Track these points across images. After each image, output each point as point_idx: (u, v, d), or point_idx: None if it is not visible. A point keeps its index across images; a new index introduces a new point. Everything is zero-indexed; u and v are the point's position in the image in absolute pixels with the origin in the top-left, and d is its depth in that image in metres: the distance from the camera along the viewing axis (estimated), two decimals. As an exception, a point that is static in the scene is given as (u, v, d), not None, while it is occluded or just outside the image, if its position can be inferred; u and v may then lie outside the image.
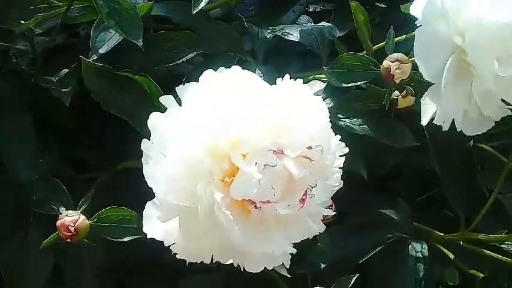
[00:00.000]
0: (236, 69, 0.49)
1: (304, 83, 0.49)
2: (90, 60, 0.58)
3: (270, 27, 0.70)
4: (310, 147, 0.46)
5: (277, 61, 0.71)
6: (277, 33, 0.69)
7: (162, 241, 0.49)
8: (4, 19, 0.62)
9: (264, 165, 0.44)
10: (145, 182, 0.47)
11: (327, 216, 0.53)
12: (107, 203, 0.57)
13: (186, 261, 0.50)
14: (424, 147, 0.68)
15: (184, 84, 0.49)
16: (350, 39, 0.72)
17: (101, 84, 0.57)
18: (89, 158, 0.72)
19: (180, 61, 0.64)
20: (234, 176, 0.45)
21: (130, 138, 0.68)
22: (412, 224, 0.69)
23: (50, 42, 0.69)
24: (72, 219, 0.53)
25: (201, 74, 0.48)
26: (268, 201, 0.45)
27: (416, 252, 0.67)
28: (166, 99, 0.48)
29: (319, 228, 0.48)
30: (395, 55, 0.56)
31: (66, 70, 0.65)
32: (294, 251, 0.47)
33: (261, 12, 0.75)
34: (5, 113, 0.64)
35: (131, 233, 0.56)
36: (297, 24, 0.73)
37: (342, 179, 0.50)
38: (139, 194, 0.50)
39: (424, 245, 0.68)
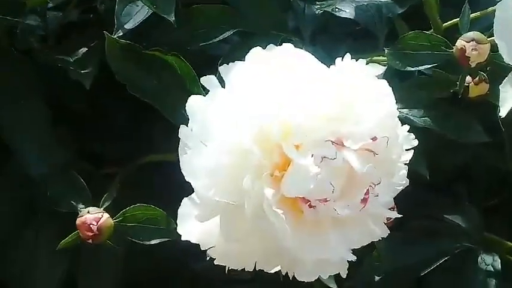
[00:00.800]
0: (288, 46, 0.48)
1: (361, 66, 0.49)
2: (114, 36, 0.58)
3: (318, 2, 0.70)
4: (374, 138, 0.45)
5: (326, 41, 0.70)
6: (326, 9, 0.69)
7: (190, 247, 0.49)
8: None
9: (322, 158, 0.44)
10: (174, 177, 0.47)
11: (390, 219, 0.53)
12: (129, 201, 0.58)
13: (216, 271, 0.50)
14: (497, 143, 0.67)
15: (220, 66, 0.49)
16: (409, 17, 0.71)
17: (127, 65, 0.58)
18: (109, 151, 0.72)
19: (217, 40, 0.64)
20: (285, 170, 0.45)
21: (156, 128, 0.69)
22: (482, 233, 0.69)
23: (64, 18, 0.70)
24: (94, 217, 0.54)
25: (239, 54, 0.48)
26: (326, 200, 0.45)
27: (487, 265, 0.67)
28: (207, 80, 0.48)
29: (382, 232, 0.48)
30: (471, 34, 0.55)
31: (84, 49, 0.65)
32: (354, 258, 0.46)
33: (307, -15, 0.75)
34: (15, 99, 0.65)
35: (160, 234, 0.56)
36: (348, -1, 0.72)
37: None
38: (167, 191, 0.50)
39: (496, 258, 0.67)
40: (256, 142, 0.45)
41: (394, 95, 0.65)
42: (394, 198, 0.53)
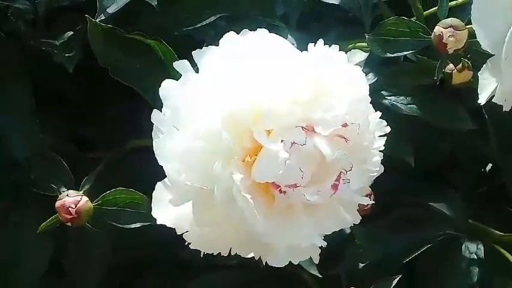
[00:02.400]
0: (262, 32, 0.49)
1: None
2: (97, 20, 0.59)
3: (306, -12, 0.71)
4: (345, 125, 0.46)
5: (313, 28, 0.71)
6: (313, -6, 0.70)
7: (176, 232, 0.50)
8: (2, -25, 0.64)
9: (292, 143, 0.45)
10: (157, 162, 0.48)
11: (365, 206, 0.54)
12: (114, 186, 0.58)
13: (203, 257, 0.51)
14: (483, 131, 0.67)
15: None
16: (396, 4, 0.71)
17: (109, 49, 0.58)
18: (97, 135, 0.73)
19: (200, 24, 0.64)
20: (256, 156, 0.46)
21: (143, 113, 0.69)
22: (466, 221, 0.70)
23: (54, 2, 0.70)
24: (73, 200, 0.54)
25: (223, 39, 0.49)
26: (295, 185, 0.45)
27: (471, 253, 0.67)
28: (181, 65, 0.49)
29: (353, 219, 0.49)
30: (448, 20, 0.56)
31: (70, 33, 0.66)
32: (324, 243, 0.47)
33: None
34: (2, 81, 0.66)
35: (140, 219, 0.56)
36: (336, -16, 0.73)
37: (384, 165, 0.51)
38: (153, 176, 0.51)
39: (479, 246, 0.67)
40: (227, 127, 0.45)
41: (381, 82, 0.66)
42: (375, 186, 0.54)
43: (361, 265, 0.66)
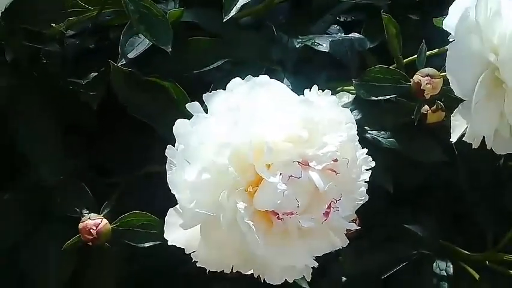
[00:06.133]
0: (264, 78, 0.49)
1: (332, 94, 0.49)
2: (118, 64, 0.58)
3: (300, 37, 0.71)
4: (336, 160, 0.46)
5: (307, 71, 0.71)
6: (306, 42, 0.69)
7: (183, 249, 0.49)
8: (35, 22, 0.63)
9: (289, 177, 0.44)
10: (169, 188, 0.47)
11: (351, 230, 0.53)
12: (131, 208, 0.58)
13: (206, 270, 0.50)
14: (454, 162, 0.67)
15: (211, 92, 0.49)
16: (381, 50, 0.71)
17: (128, 89, 0.58)
18: (114, 163, 0.72)
19: (208, 68, 0.64)
20: (257, 187, 0.45)
21: (154, 144, 0.69)
22: (438, 241, 0.69)
23: (81, 45, 0.70)
24: (94, 222, 0.54)
25: (228, 81, 0.49)
26: (292, 213, 0.45)
27: (441, 270, 0.67)
28: (192, 106, 0.48)
29: (342, 242, 0.48)
30: (426, 70, 0.56)
31: (95, 74, 0.65)
32: (316, 264, 0.47)
33: (290, 21, 0.74)
34: (33, 114, 0.65)
35: (153, 238, 0.56)
36: (327, 34, 0.72)
37: (367, 192, 0.50)
38: (164, 198, 0.50)
39: (449, 263, 0.67)
40: (233, 162, 0.45)
41: (364, 118, 0.66)
42: (361, 211, 0.54)
43: (344, 279, 0.65)
